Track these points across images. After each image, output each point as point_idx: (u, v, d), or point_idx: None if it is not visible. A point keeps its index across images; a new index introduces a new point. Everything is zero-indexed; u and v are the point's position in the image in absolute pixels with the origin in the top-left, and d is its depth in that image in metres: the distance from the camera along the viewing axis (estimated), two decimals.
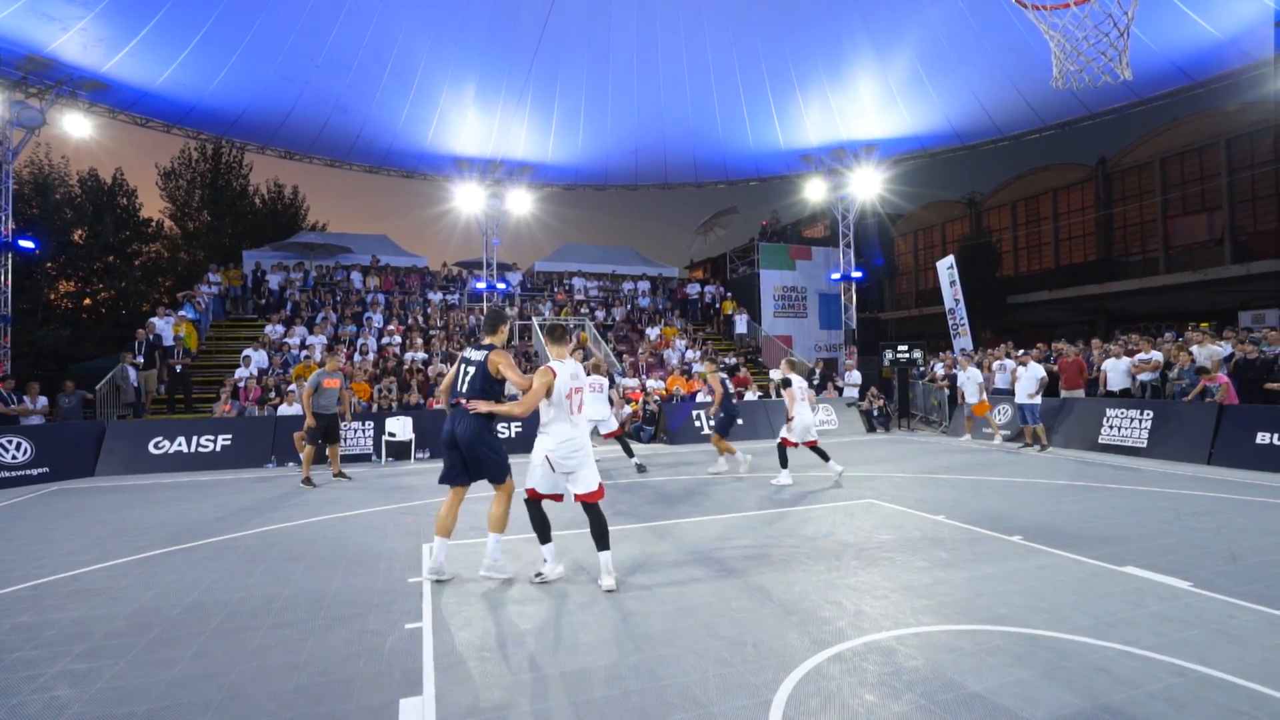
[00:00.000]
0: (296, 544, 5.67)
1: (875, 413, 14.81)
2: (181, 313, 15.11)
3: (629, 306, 21.40)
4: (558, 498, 4.46)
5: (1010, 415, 12.36)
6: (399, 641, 3.52)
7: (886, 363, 16.13)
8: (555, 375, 4.27)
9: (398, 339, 16.26)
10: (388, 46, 14.58)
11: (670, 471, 9.56)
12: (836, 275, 20.92)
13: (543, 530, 4.41)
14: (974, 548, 5.09)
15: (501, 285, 19.95)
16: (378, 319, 17.27)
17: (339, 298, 18.52)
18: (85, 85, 13.69)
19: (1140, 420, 10.35)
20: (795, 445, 8.37)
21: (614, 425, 9.46)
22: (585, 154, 18.92)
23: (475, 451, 4.43)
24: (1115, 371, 11.63)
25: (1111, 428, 10.71)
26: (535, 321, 17.64)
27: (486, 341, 4.69)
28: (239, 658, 3.34)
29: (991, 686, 2.87)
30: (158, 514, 7.10)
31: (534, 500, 4.41)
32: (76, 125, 13.97)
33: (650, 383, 15.12)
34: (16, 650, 3.50)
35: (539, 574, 4.44)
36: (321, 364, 9.64)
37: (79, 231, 24.59)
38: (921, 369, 16.39)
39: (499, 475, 4.52)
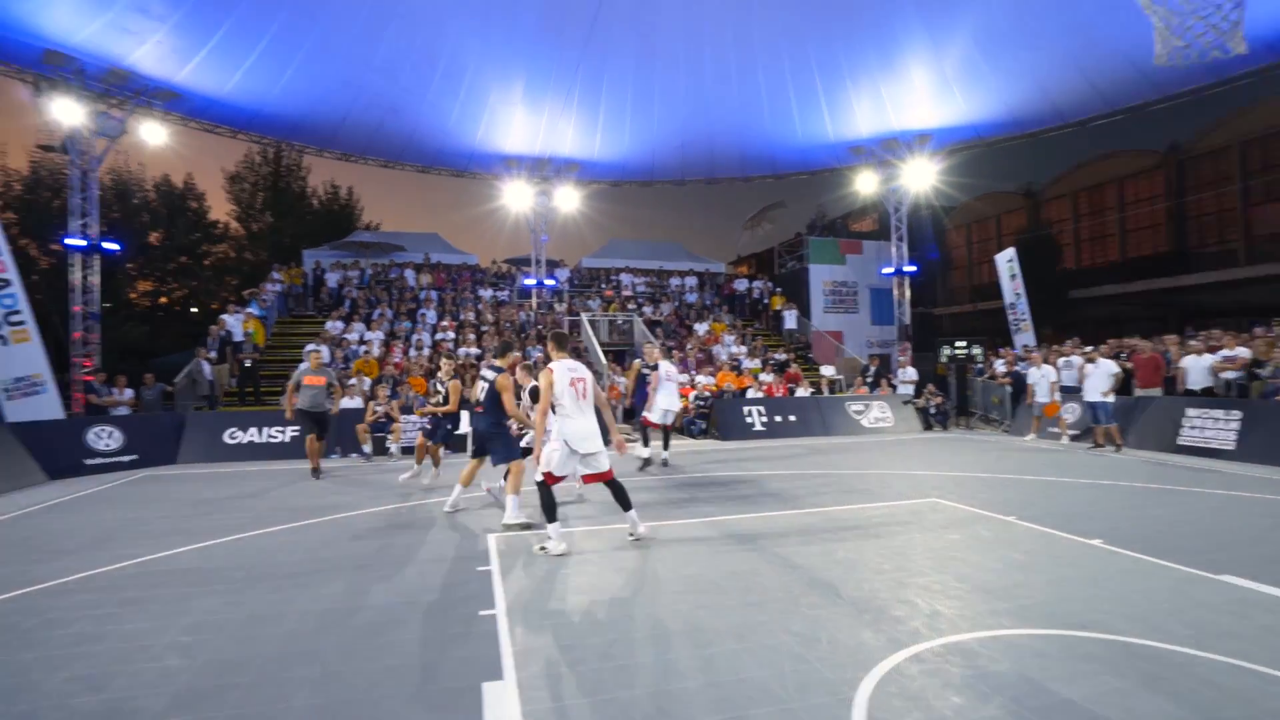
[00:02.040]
0: (366, 530, 5.87)
1: (933, 410, 14.43)
2: (249, 310, 15.77)
3: (676, 302, 21.37)
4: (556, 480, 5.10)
5: (1079, 414, 11.87)
6: (474, 627, 3.61)
7: (943, 359, 15.70)
8: (554, 373, 5.00)
9: (451, 334, 16.62)
10: (439, 49, 14.88)
11: (724, 467, 9.52)
12: (889, 269, 20.44)
13: (552, 510, 5.01)
14: (1050, 550, 4.92)
15: (550, 281, 20.18)
16: (431, 315, 17.68)
17: (394, 295, 19.03)
18: (160, 95, 14.39)
19: (1227, 421, 9.79)
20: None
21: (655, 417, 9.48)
22: (632, 150, 18.95)
23: (488, 441, 6.24)
24: (1196, 369, 11.01)
25: (1193, 428, 10.17)
26: (585, 318, 17.78)
27: (498, 363, 6.21)
28: (327, 639, 3.49)
29: (1086, 695, 2.77)
30: (237, 500, 7.45)
31: (547, 484, 5.03)
32: (152, 133, 14.71)
33: (700, 378, 15.07)
34: (129, 622, 3.73)
35: (543, 547, 4.98)
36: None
37: (155, 234, 25.91)
38: (980, 365, 15.88)
39: (502, 459, 6.09)
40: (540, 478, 5.01)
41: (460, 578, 4.51)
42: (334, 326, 16.12)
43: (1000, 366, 15.11)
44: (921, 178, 18.43)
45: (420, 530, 5.94)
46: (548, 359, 5.23)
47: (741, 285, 22.95)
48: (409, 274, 20.21)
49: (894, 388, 16.11)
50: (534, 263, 19.79)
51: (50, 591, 4.35)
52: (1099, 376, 10.63)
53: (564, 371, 5.05)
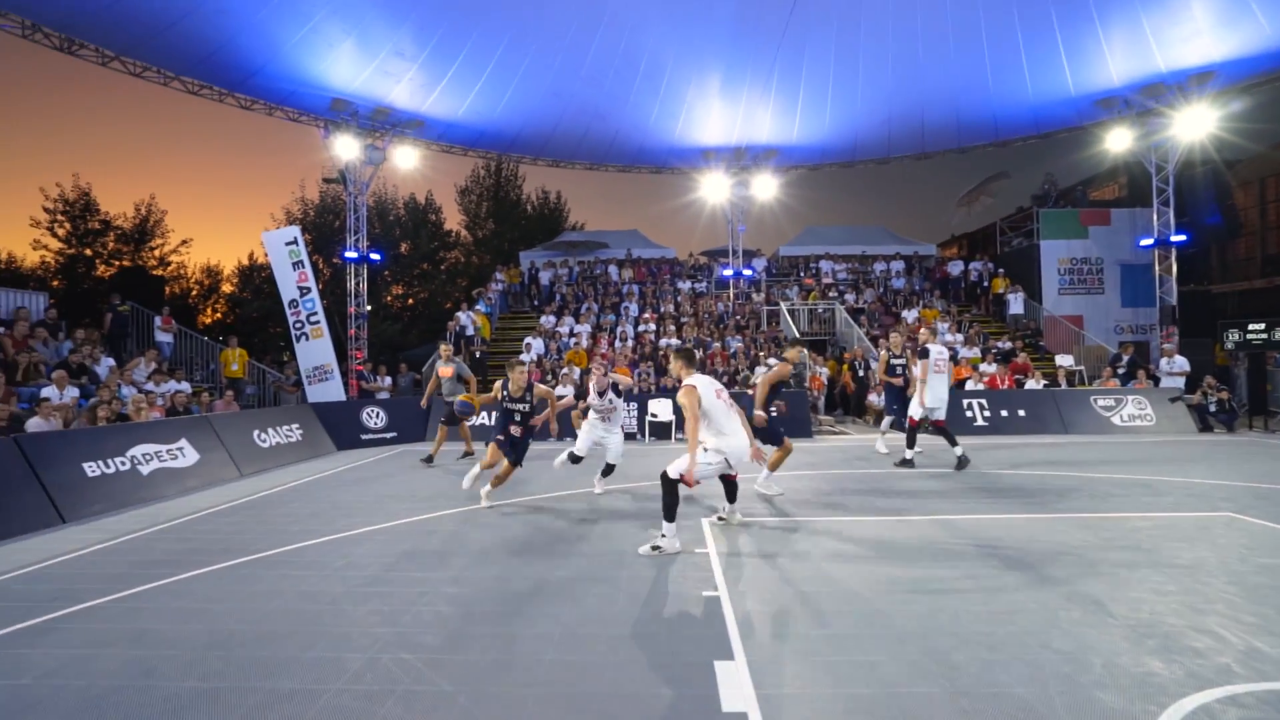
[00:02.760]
0: (589, 509, 6.31)
1: (1213, 408, 11.92)
2: (477, 307, 17.82)
3: (881, 289, 20.05)
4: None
5: None
6: (699, 606, 3.69)
7: (1228, 346, 12.90)
8: (698, 389, 4.82)
9: (652, 326, 17.26)
10: (639, 52, 15.41)
11: (944, 463, 8.73)
12: (1148, 241, 17.22)
13: (673, 511, 4.80)
14: None
15: (747, 271, 20.05)
16: (633, 308, 18.51)
17: (599, 289, 20.23)
18: (410, 125, 16.75)
19: None
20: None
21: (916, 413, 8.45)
22: (832, 130, 18.09)
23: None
24: None
25: None
26: (784, 307, 17.39)
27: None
28: (565, 602, 3.80)
29: None
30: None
31: (681, 485, 4.75)
32: (405, 158, 17.15)
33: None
34: (408, 571, 4.41)
35: (656, 546, 4.79)
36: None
37: (404, 244, 30.33)
38: None
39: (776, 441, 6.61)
40: (676, 476, 4.74)
41: (681, 557, 4.65)
42: (547, 321, 17.58)
43: None
44: (1197, 127, 15.23)
45: (634, 511, 6.24)
46: (678, 380, 5.13)
47: (956, 268, 20.86)
48: (612, 269, 21.36)
49: (1155, 380, 13.59)
50: (731, 253, 19.80)
51: (351, 539, 5.29)
52: None
53: (707, 385, 4.92)
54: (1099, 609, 3.55)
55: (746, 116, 17.46)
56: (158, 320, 13.03)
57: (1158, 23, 13.70)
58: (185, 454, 7.67)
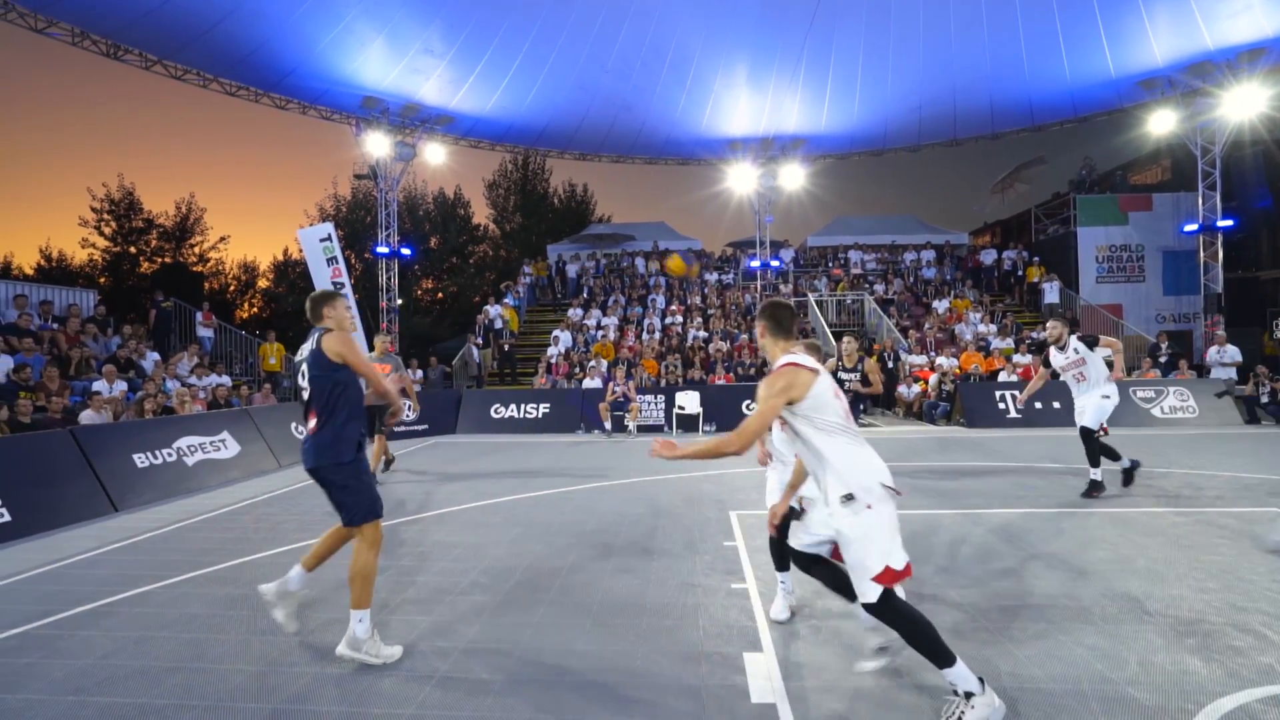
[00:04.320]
0: (618, 501, 6.39)
1: (1264, 399, 11.51)
2: (506, 300, 18.01)
3: (911, 278, 19.74)
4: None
5: None
6: (728, 599, 3.73)
7: (1279, 334, 12.42)
8: (817, 374, 2.58)
9: (679, 318, 17.26)
10: (666, 43, 15.33)
11: (975, 455, 8.62)
12: (1192, 226, 16.63)
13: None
14: None
15: (775, 263, 19.90)
16: (660, 300, 18.52)
17: (626, 282, 20.27)
18: (440, 121, 16.94)
19: None
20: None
21: None
22: (861, 119, 17.80)
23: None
24: None
25: None
26: (811, 298, 17.25)
27: None
28: (595, 592, 3.87)
29: None
30: (508, 466, 8.59)
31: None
32: (434, 154, 17.36)
33: (941, 360, 13.78)
34: (440, 562, 4.53)
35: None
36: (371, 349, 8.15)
37: (434, 239, 30.76)
38: None
39: None
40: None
41: (709, 550, 4.70)
42: (574, 314, 17.69)
43: None
44: (1247, 107, 14.63)
45: (663, 504, 6.30)
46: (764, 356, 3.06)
47: (989, 256, 20.42)
48: (639, 262, 21.38)
49: (1202, 371, 13.16)
50: (758, 244, 19.67)
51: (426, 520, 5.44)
52: None
53: (825, 373, 2.65)
54: (1134, 605, 3.50)
55: (774, 106, 17.28)
56: (199, 315, 13.45)
57: None
58: (227, 446, 7.95)
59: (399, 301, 18.42)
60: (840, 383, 4.95)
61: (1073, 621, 3.31)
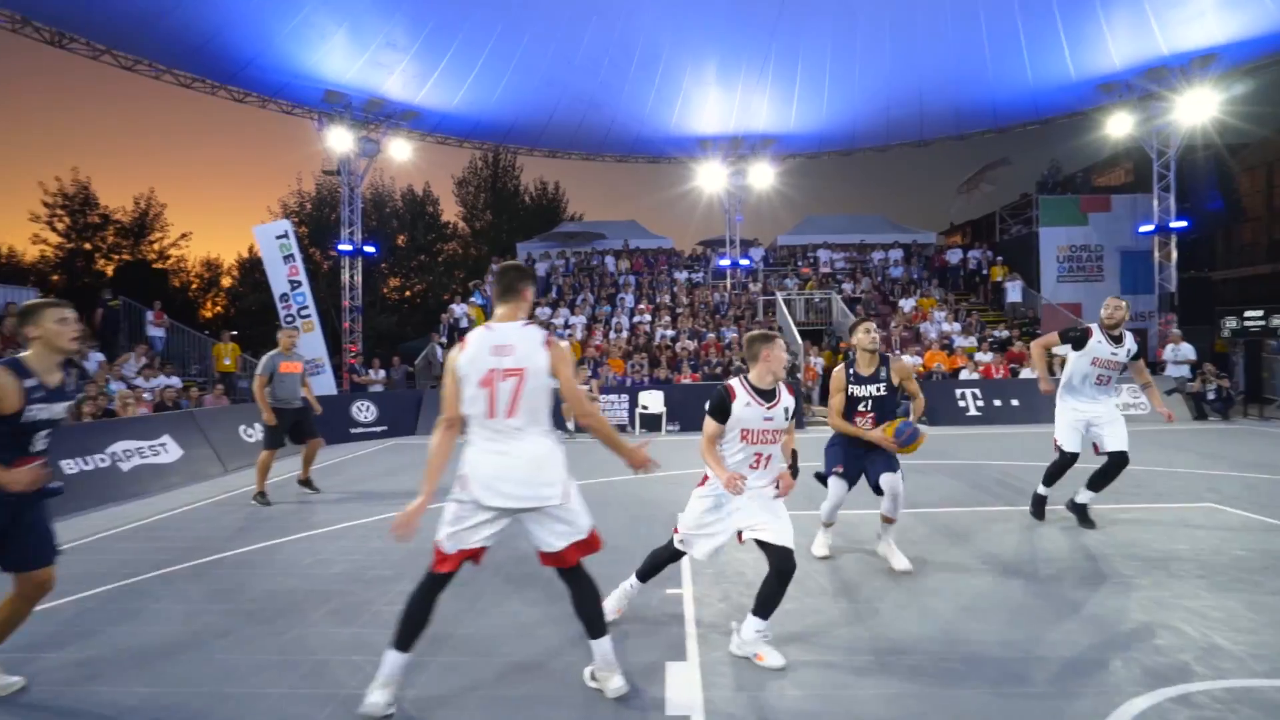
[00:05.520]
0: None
1: (1210, 395, 11.81)
2: (473, 299, 17.78)
3: (879, 277, 19.92)
4: None
5: None
6: (661, 605, 3.67)
7: (1226, 334, 12.78)
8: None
9: (648, 317, 17.19)
10: (634, 40, 15.25)
11: (932, 454, 8.68)
12: (1148, 227, 17.05)
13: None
14: None
15: (745, 261, 19.94)
16: (629, 299, 18.43)
17: (595, 280, 20.15)
18: (405, 116, 16.65)
19: None
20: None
21: None
22: (830, 119, 17.93)
23: None
24: None
25: None
26: (780, 297, 17.31)
27: None
28: (517, 601, 3.77)
29: None
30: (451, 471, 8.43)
31: None
32: (400, 149, 17.07)
33: (906, 358, 13.91)
34: (368, 570, 4.40)
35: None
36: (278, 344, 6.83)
37: (401, 236, 30.30)
38: None
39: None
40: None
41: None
42: (542, 312, 17.52)
43: None
44: (1199, 111, 15.01)
45: (618, 504, 6.22)
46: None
47: (955, 256, 20.69)
48: (609, 260, 21.27)
49: (1154, 369, 13.44)
50: (728, 243, 19.68)
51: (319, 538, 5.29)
52: None
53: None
54: (1066, 605, 3.51)
55: (743, 105, 17.30)
56: (149, 315, 13.05)
57: (1159, 3, 13.47)
58: (168, 450, 7.68)
59: (362, 300, 18.08)
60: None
61: (1000, 623, 3.30)
